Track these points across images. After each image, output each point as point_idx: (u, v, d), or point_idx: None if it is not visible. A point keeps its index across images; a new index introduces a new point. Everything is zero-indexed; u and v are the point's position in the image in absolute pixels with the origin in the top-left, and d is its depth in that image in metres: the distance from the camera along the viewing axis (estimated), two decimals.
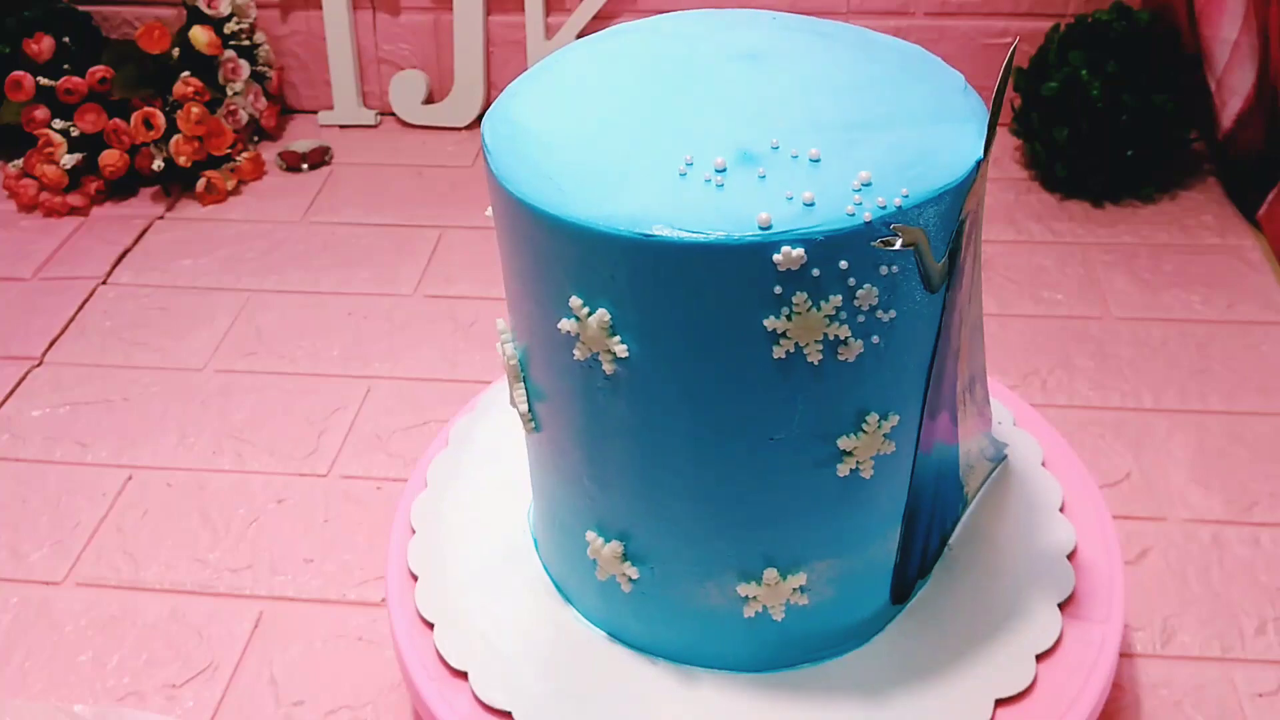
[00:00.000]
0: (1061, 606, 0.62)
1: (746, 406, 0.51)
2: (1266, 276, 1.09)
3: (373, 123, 1.41)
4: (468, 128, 1.39)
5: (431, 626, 0.64)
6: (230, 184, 1.29)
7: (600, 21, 1.33)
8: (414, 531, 0.70)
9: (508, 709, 0.59)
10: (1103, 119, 1.13)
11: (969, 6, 1.30)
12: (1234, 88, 1.15)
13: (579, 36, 1.33)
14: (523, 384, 0.58)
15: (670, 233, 0.46)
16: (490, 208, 0.58)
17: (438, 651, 0.63)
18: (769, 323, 0.48)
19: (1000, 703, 0.58)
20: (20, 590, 0.83)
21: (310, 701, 0.74)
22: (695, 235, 0.46)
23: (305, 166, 1.33)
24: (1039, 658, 0.60)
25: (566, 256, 0.49)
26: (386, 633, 0.78)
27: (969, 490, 0.66)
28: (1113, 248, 1.14)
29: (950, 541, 0.65)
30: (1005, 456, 0.70)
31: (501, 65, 1.38)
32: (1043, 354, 1.01)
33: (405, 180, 1.31)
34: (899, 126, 0.51)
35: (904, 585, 0.62)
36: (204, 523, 0.88)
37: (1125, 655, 0.74)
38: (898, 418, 0.53)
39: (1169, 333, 1.02)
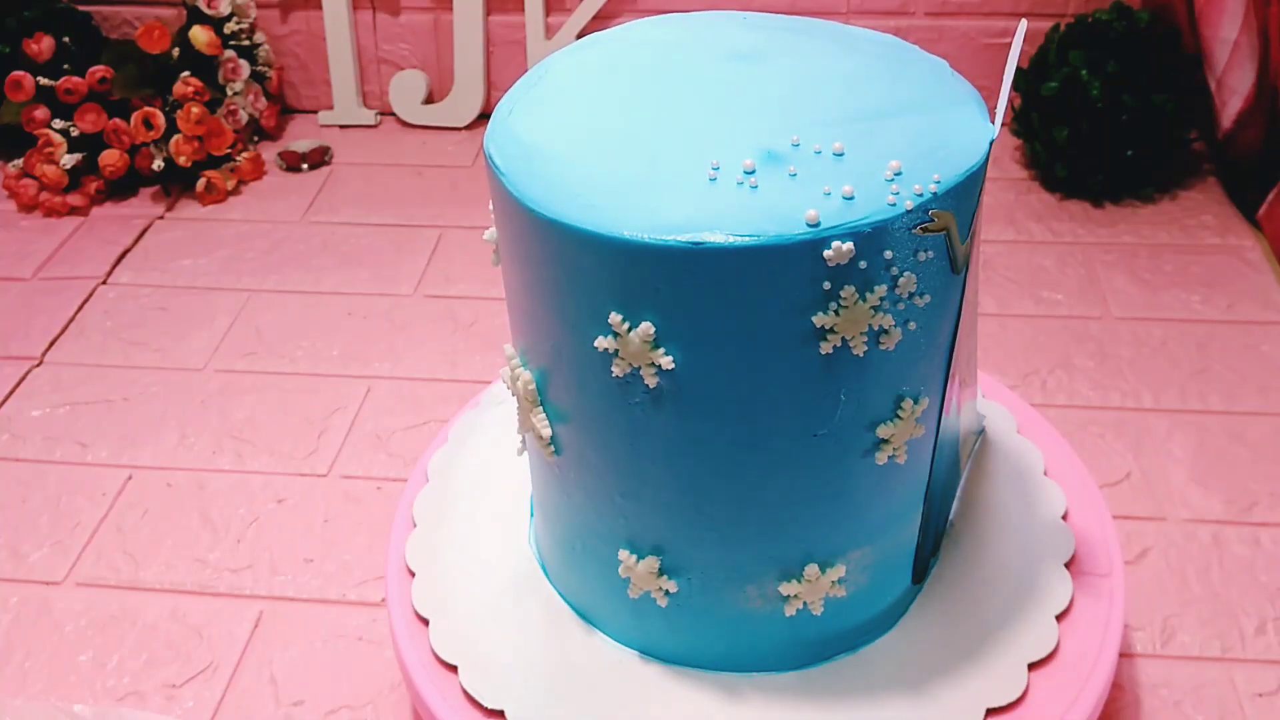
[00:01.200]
0: (1060, 616, 0.63)
1: (792, 405, 0.51)
2: (1266, 276, 1.09)
3: (373, 122, 1.41)
4: (468, 128, 1.39)
5: (428, 624, 0.64)
6: (230, 184, 1.29)
7: (600, 21, 1.33)
8: (415, 526, 0.70)
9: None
10: (1103, 119, 1.13)
11: (969, 6, 1.30)
12: (1234, 88, 1.15)
13: (579, 36, 1.33)
14: (541, 409, 0.57)
15: (722, 238, 0.46)
16: (491, 231, 0.57)
17: (432, 649, 0.63)
18: (818, 319, 0.48)
19: (1032, 666, 0.61)
20: (20, 590, 0.83)
21: (310, 701, 0.74)
22: (747, 239, 0.46)
23: (305, 166, 1.33)
24: (1033, 668, 0.61)
25: (606, 272, 0.48)
26: (386, 633, 0.78)
27: (961, 464, 0.68)
28: (1113, 248, 1.14)
29: (950, 516, 0.66)
30: (983, 429, 0.71)
31: (501, 65, 1.38)
32: (1043, 354, 1.01)
33: (405, 180, 1.31)
34: (906, 114, 0.51)
35: (922, 563, 0.63)
36: (204, 523, 0.88)
37: (1125, 655, 0.74)
38: (927, 400, 0.54)
39: (1169, 333, 1.02)
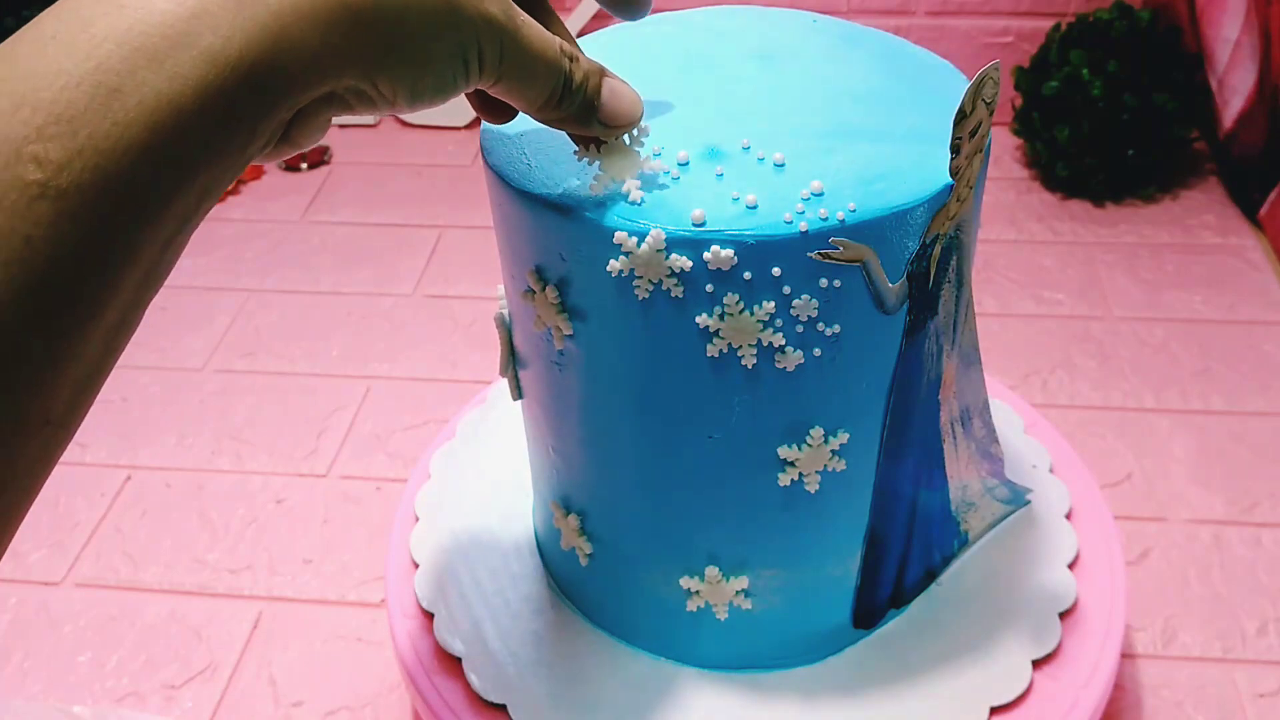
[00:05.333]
0: (1062, 616, 0.62)
1: (684, 400, 0.51)
2: (1268, 276, 1.09)
3: (372, 122, 1.41)
4: (467, 127, 1.39)
5: (431, 616, 0.64)
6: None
7: (600, 20, 1.33)
8: (417, 519, 0.71)
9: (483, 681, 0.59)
10: (1104, 118, 1.13)
11: (969, 6, 1.29)
12: (1235, 87, 1.15)
13: (579, 35, 1.32)
14: (509, 348, 0.60)
15: (607, 219, 0.46)
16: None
17: (435, 640, 0.63)
18: (701, 319, 0.48)
19: (1036, 664, 0.60)
20: (19, 590, 0.83)
21: (310, 702, 0.74)
22: (627, 224, 0.46)
23: (305, 166, 1.33)
24: (1035, 667, 0.61)
25: (526, 228, 0.50)
26: (386, 633, 0.77)
27: (970, 529, 0.65)
28: (1114, 247, 1.14)
29: (940, 578, 0.64)
30: (1028, 502, 0.68)
31: None
32: (1044, 354, 1.00)
33: (405, 180, 1.31)
34: (885, 141, 0.49)
35: (869, 611, 0.61)
36: (203, 523, 0.88)
37: (1126, 656, 0.74)
38: (847, 435, 0.52)
39: (1170, 333, 1.02)
